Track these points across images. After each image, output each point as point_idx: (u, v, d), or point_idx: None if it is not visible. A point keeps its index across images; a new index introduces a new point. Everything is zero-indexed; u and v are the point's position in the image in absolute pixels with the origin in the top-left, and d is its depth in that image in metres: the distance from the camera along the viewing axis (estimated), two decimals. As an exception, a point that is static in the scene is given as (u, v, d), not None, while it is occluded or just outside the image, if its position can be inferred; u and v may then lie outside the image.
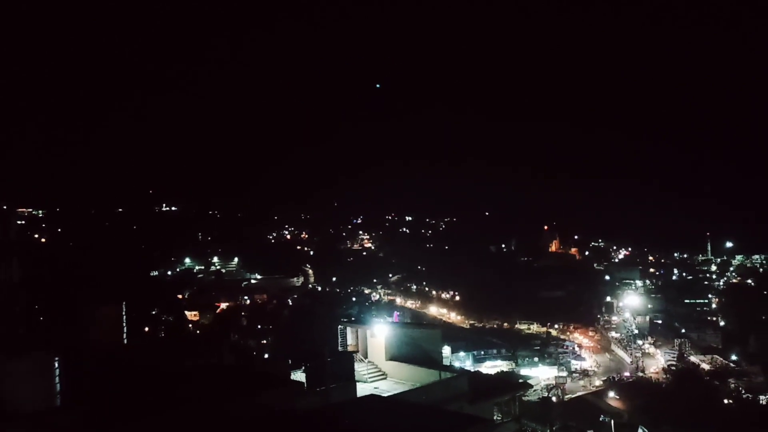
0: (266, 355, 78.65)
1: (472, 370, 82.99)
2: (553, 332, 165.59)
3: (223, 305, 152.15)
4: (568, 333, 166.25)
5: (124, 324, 30.21)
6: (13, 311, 24.09)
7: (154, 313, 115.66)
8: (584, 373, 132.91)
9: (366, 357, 35.13)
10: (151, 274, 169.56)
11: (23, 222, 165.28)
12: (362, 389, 29.70)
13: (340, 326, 37.43)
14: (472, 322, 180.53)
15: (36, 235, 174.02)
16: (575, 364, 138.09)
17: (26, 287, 26.20)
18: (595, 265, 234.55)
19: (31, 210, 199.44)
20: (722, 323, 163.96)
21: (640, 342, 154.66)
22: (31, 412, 19.33)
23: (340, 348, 35.52)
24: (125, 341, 30.31)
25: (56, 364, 20.30)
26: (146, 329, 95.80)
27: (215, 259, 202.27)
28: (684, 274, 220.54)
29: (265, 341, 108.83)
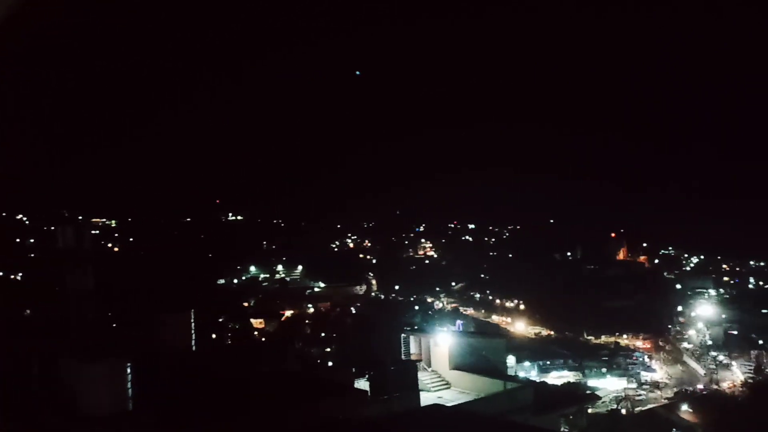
0: (330, 363, 79.14)
1: (538, 381, 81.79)
2: (622, 342, 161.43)
3: (288, 313, 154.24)
4: (637, 343, 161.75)
5: (193, 331, 30.96)
6: (87, 318, 24.96)
7: (221, 320, 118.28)
8: (655, 385, 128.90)
9: (429, 366, 34.94)
10: (218, 282, 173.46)
11: (97, 232, 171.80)
12: (426, 398, 29.52)
13: (403, 335, 37.37)
14: (537, 331, 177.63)
15: (109, 245, 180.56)
16: (645, 376, 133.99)
17: (100, 295, 27.10)
18: (665, 273, 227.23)
19: (104, 220, 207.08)
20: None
21: (714, 353, 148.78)
22: (104, 416, 19.96)
23: (403, 357, 35.45)
24: (194, 347, 31.04)
25: (128, 370, 20.92)
26: (214, 336, 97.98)
27: (280, 267, 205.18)
28: (761, 283, 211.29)
29: (328, 349, 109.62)
